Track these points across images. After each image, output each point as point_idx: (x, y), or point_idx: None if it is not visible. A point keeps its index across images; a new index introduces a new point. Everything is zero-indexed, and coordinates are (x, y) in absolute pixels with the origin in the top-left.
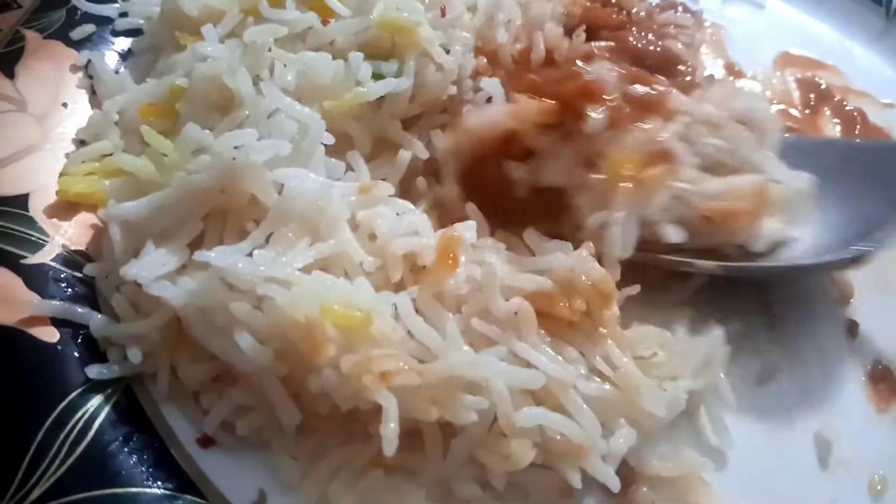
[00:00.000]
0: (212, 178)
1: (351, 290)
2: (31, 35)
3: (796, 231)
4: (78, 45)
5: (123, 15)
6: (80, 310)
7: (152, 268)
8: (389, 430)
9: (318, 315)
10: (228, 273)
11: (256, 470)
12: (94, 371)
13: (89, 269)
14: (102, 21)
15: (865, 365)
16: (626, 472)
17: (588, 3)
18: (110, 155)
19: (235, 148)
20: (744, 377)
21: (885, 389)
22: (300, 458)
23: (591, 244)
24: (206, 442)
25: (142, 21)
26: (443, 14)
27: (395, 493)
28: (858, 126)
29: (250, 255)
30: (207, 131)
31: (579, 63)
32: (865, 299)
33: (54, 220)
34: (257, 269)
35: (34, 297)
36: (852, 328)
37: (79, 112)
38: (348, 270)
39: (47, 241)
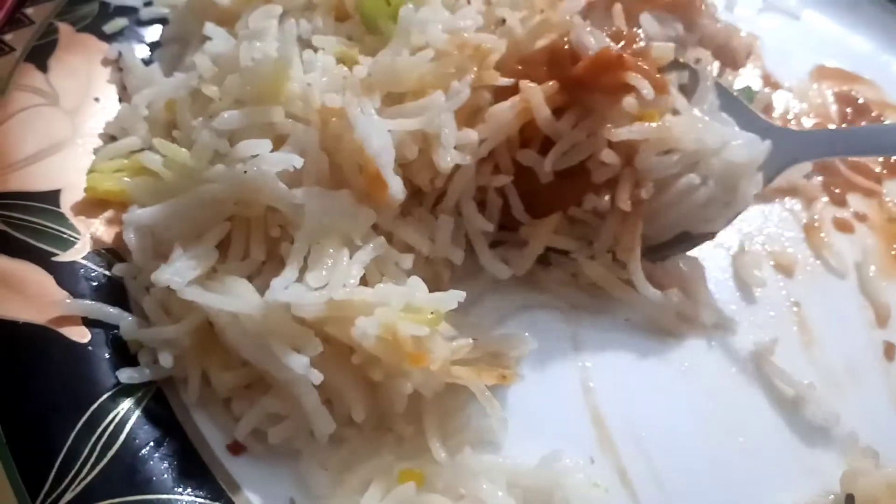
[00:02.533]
0: (225, 189)
1: (410, 293)
2: (64, 28)
3: None
4: (109, 38)
5: (148, 4)
6: (111, 310)
7: (183, 272)
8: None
9: (394, 329)
10: (297, 307)
11: (286, 479)
12: (125, 375)
13: (118, 269)
14: (134, 13)
15: None
16: None
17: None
18: (139, 151)
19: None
20: (778, 398)
21: None
22: (330, 469)
23: None
24: (236, 449)
25: (167, 10)
26: None
27: None
28: None
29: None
30: (224, 140)
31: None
32: None
33: (84, 216)
34: (321, 297)
35: (66, 295)
36: (888, 350)
37: (110, 107)
38: (386, 273)
39: (78, 239)
